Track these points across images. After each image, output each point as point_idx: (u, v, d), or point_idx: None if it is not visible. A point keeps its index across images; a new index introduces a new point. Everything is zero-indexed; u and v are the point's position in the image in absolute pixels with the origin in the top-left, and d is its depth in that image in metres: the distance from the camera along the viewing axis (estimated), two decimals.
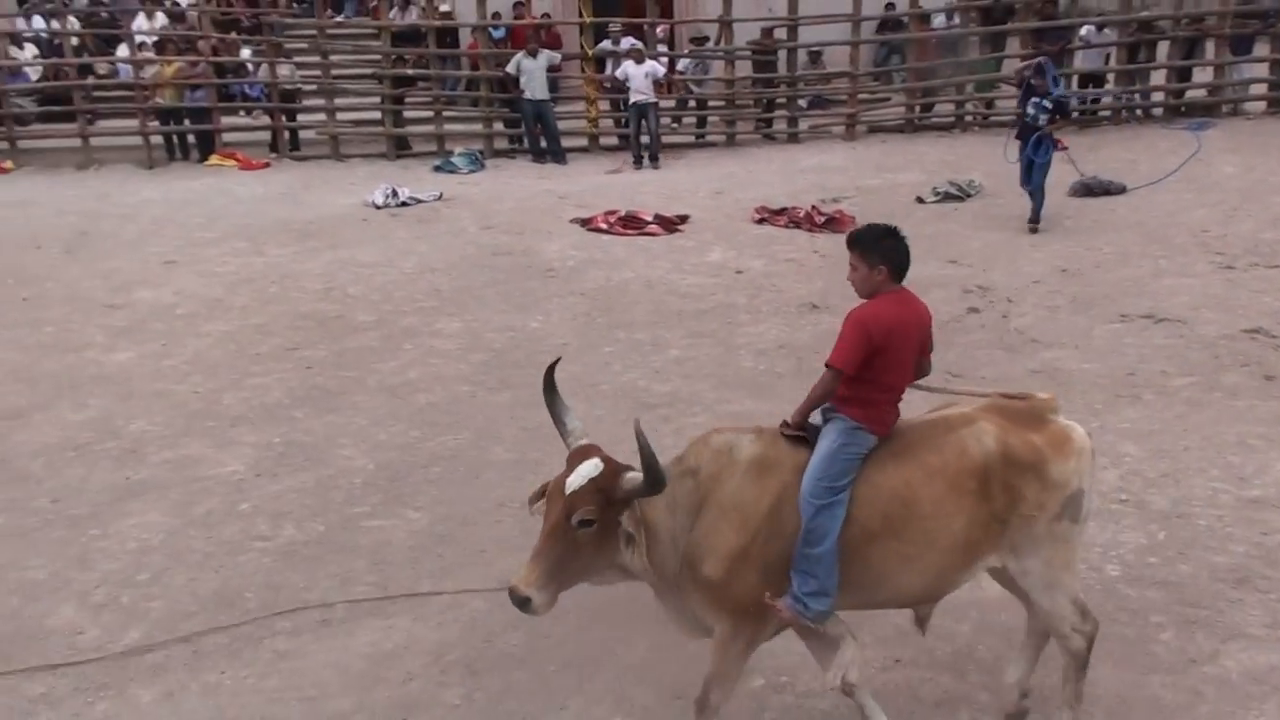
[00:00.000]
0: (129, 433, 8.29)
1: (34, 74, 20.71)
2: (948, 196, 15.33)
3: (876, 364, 4.38)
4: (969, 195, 15.41)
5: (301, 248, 13.68)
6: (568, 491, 4.19)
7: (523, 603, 4.19)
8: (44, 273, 12.64)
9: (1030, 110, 13.35)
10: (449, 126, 20.28)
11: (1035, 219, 13.37)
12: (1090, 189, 14.98)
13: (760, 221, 14.45)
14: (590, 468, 4.22)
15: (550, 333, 10.37)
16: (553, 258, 13.01)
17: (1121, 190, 14.97)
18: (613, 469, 4.22)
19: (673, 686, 5.22)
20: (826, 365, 4.37)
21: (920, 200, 15.29)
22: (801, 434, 4.45)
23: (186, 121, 19.98)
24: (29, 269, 12.78)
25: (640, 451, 4.09)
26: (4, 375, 9.47)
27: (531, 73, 19.02)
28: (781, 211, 14.61)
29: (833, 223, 14.05)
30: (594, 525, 4.18)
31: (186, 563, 6.47)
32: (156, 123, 19.72)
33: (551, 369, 4.71)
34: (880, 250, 4.52)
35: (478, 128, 20.37)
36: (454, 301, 11.42)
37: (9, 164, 18.81)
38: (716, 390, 8.85)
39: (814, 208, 14.59)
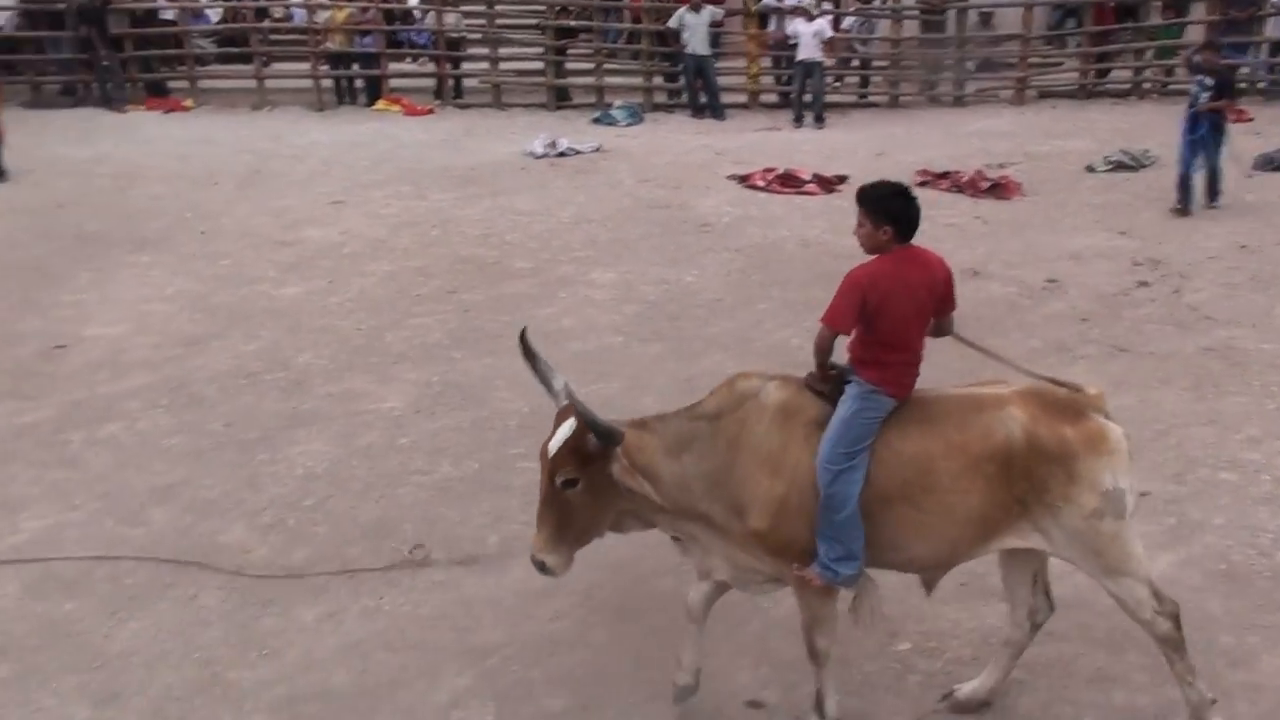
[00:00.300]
0: (296, 364, 8.59)
1: (214, 16, 21.43)
2: (1120, 166, 14.84)
3: (879, 325, 4.34)
4: (1142, 166, 14.88)
5: (462, 193, 13.93)
6: (549, 455, 4.30)
7: (540, 566, 4.39)
8: (220, 208, 13.12)
9: (1193, 88, 12.80)
10: (609, 79, 20.37)
11: (1214, 194, 12.79)
12: (1275, 162, 14.32)
13: (922, 185, 14.17)
14: (565, 429, 4.29)
15: (704, 287, 10.39)
16: (708, 213, 13.01)
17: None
18: (583, 428, 4.25)
19: None
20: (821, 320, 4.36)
21: (1090, 169, 14.83)
22: (822, 390, 4.42)
23: (355, 66, 20.46)
24: (206, 204, 13.28)
25: (576, 412, 4.19)
26: (184, 305, 9.88)
27: (693, 27, 18.95)
28: (945, 175, 14.34)
29: (998, 188, 13.75)
30: (578, 484, 4.28)
31: (348, 491, 6.70)
32: (327, 67, 20.23)
33: (524, 334, 4.87)
34: (887, 208, 4.40)
35: (637, 81, 20.42)
36: (609, 252, 11.52)
37: (189, 103, 19.53)
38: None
39: (978, 172, 14.29)
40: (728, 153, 16.33)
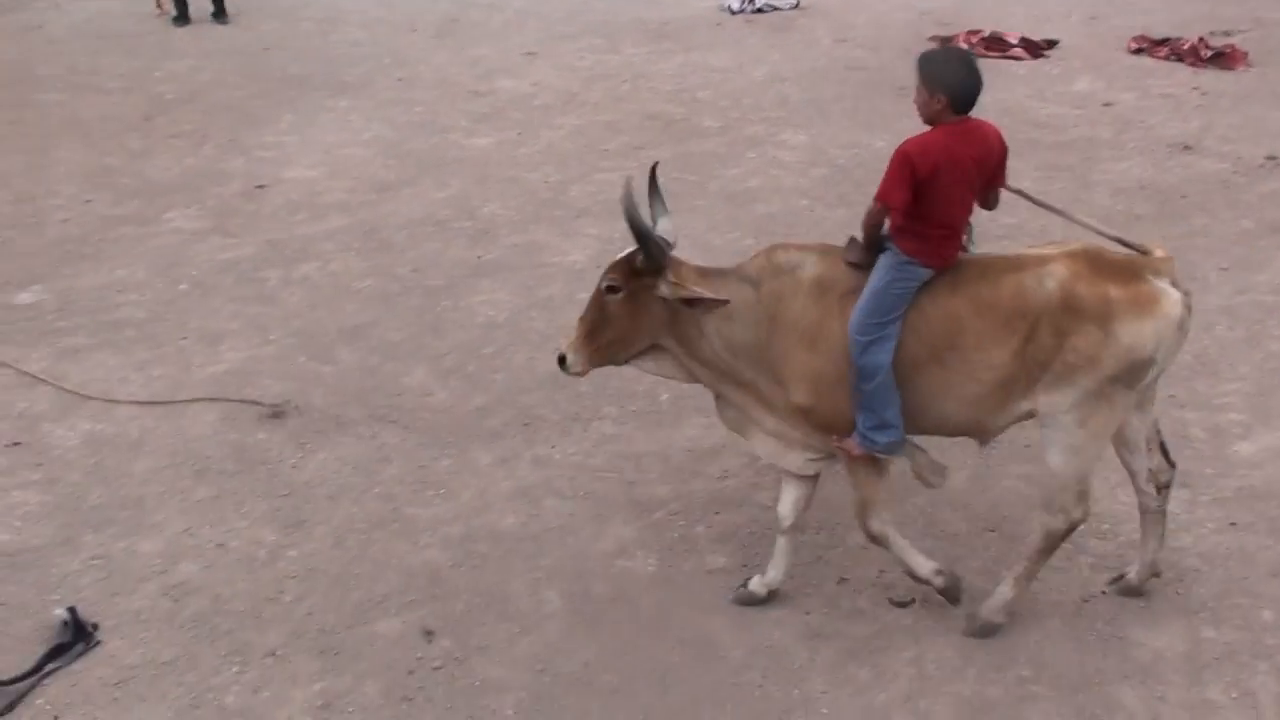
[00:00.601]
0: (483, 214, 8.73)
1: None
2: None
3: (925, 198, 4.16)
4: None
5: (655, 48, 13.77)
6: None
7: (560, 360, 4.64)
8: (416, 56, 13.28)
9: None
10: None
11: None
12: None
13: (1137, 52, 13.42)
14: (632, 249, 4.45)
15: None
16: (906, 76, 12.53)
17: None
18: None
19: (986, 518, 5.19)
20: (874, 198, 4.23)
21: None
22: (857, 263, 4.34)
23: None
24: (404, 50, 13.46)
25: (629, 221, 4.28)
26: (379, 150, 10.11)
27: None
28: (1163, 42, 13.50)
29: (1221, 58, 12.87)
30: (620, 293, 4.46)
31: (528, 341, 6.84)
32: None
33: (654, 171, 4.99)
34: (943, 77, 4.17)
35: None
36: (800, 113, 11.27)
37: None
38: (1067, 228, 8.40)
39: (1201, 40, 13.39)
40: (932, 12, 15.68)
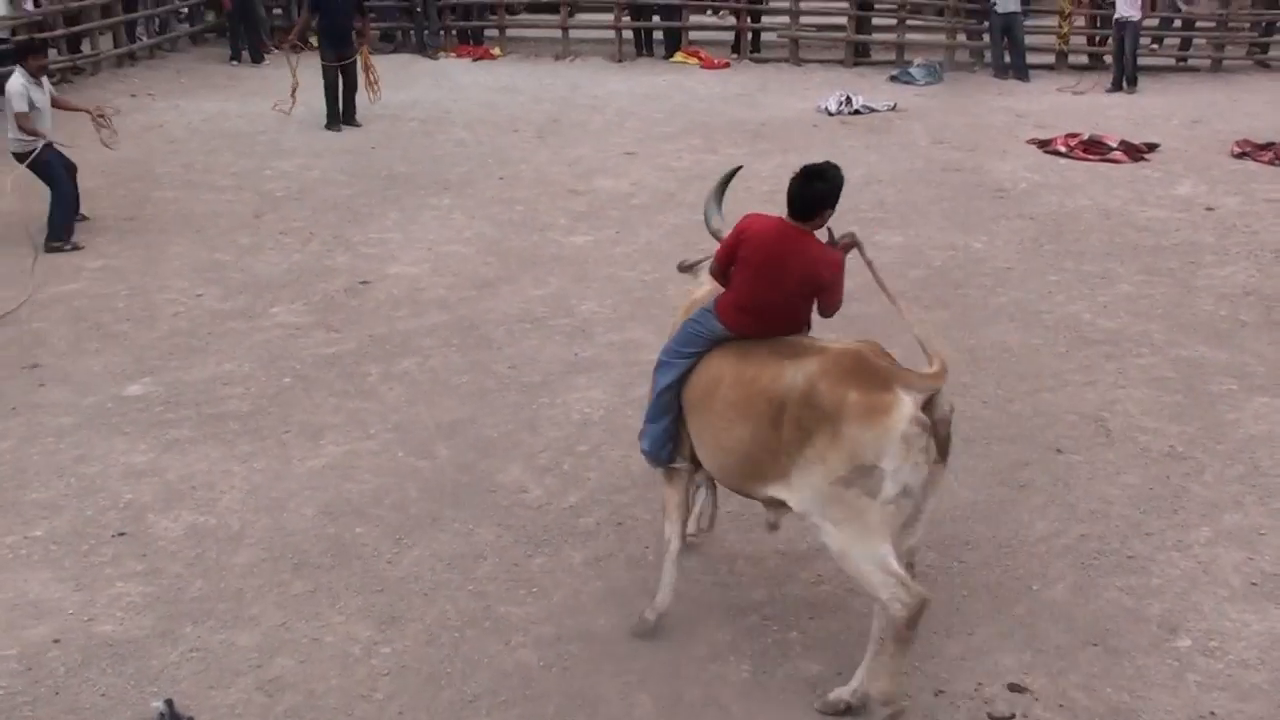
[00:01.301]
0: (580, 312, 8.84)
1: None
2: None
3: (738, 274, 4.68)
4: None
5: (752, 149, 13.93)
6: None
7: None
8: (519, 155, 13.58)
9: None
10: (910, 36, 19.88)
11: None
12: None
13: (1241, 156, 13.29)
14: None
15: (993, 255, 10.07)
16: (1004, 178, 12.57)
17: None
18: None
19: (1089, 632, 5.07)
20: None
21: None
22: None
23: (656, 18, 20.68)
24: (506, 150, 13.78)
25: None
26: (481, 248, 10.30)
27: None
28: (1268, 146, 13.36)
29: None
30: None
31: (622, 440, 6.85)
32: (628, 18, 20.53)
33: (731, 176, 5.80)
34: (791, 182, 4.68)
35: (940, 38, 19.84)
36: (897, 214, 11.30)
37: (497, 51, 20.22)
38: (1168, 332, 8.32)
39: None
40: (1029, 115, 15.71)
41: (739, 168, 5.48)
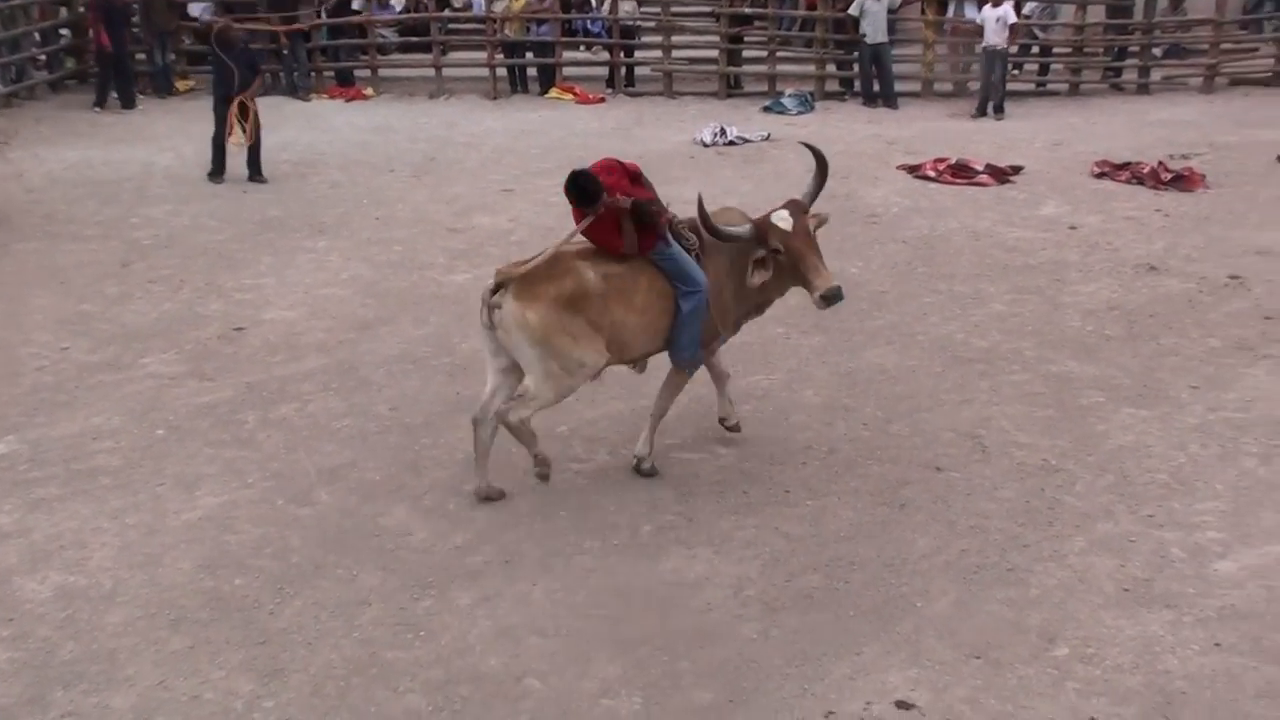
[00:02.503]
0: (461, 350, 8.77)
1: (397, 5, 22.02)
2: None
3: None
4: None
5: None
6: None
7: None
8: (395, 195, 13.47)
9: None
10: (781, 67, 20.22)
11: None
12: None
13: (1100, 176, 13.74)
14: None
15: (869, 279, 10.25)
16: (876, 203, 12.82)
17: None
18: None
19: (972, 645, 5.15)
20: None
21: None
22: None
23: (530, 55, 20.73)
24: (382, 190, 13.65)
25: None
26: (358, 290, 10.18)
27: (873, 15, 18.64)
28: (1125, 166, 13.83)
29: (1180, 180, 13.20)
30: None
31: (507, 478, 6.80)
32: (502, 55, 20.55)
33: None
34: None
35: (810, 69, 20.20)
36: None
37: (370, 91, 20.05)
38: (1038, 349, 8.54)
39: (1161, 164, 13.72)
40: (899, 142, 16.06)
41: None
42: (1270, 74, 19.47)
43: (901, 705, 4.80)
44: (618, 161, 6.72)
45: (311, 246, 11.47)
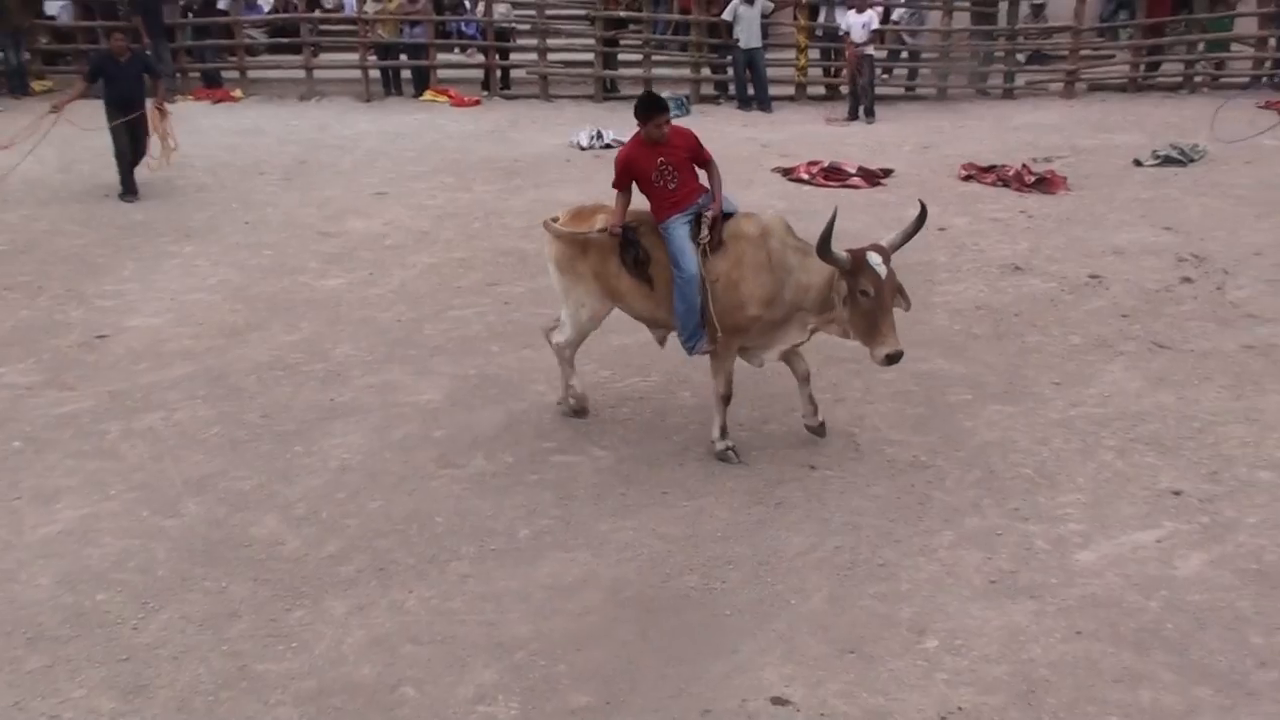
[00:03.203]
0: (334, 356, 8.64)
1: (266, 5, 21.62)
2: (1168, 160, 14.64)
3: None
4: (1191, 160, 14.68)
5: (506, 185, 13.96)
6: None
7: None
8: (265, 199, 13.23)
9: None
10: (657, 70, 20.33)
11: None
12: None
13: (967, 179, 14.08)
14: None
15: None
16: (752, 206, 12.84)
17: None
18: None
19: (845, 640, 5.22)
20: None
21: (1138, 163, 14.65)
22: None
23: (403, 57, 20.52)
24: (252, 194, 13.40)
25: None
26: (226, 295, 9.97)
27: (747, 20, 18.85)
28: (990, 169, 14.20)
29: (1043, 183, 13.60)
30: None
31: (382, 484, 6.73)
32: (375, 57, 20.31)
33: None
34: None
35: (685, 73, 20.35)
36: None
37: (239, 93, 19.68)
38: (908, 348, 8.58)
39: (1025, 167, 14.12)
40: (773, 145, 16.26)
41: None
42: (1126, 80, 20.16)
43: (777, 701, 4.84)
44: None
45: (178, 251, 11.19)
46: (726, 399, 6.93)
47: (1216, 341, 8.57)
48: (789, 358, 7.10)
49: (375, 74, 20.25)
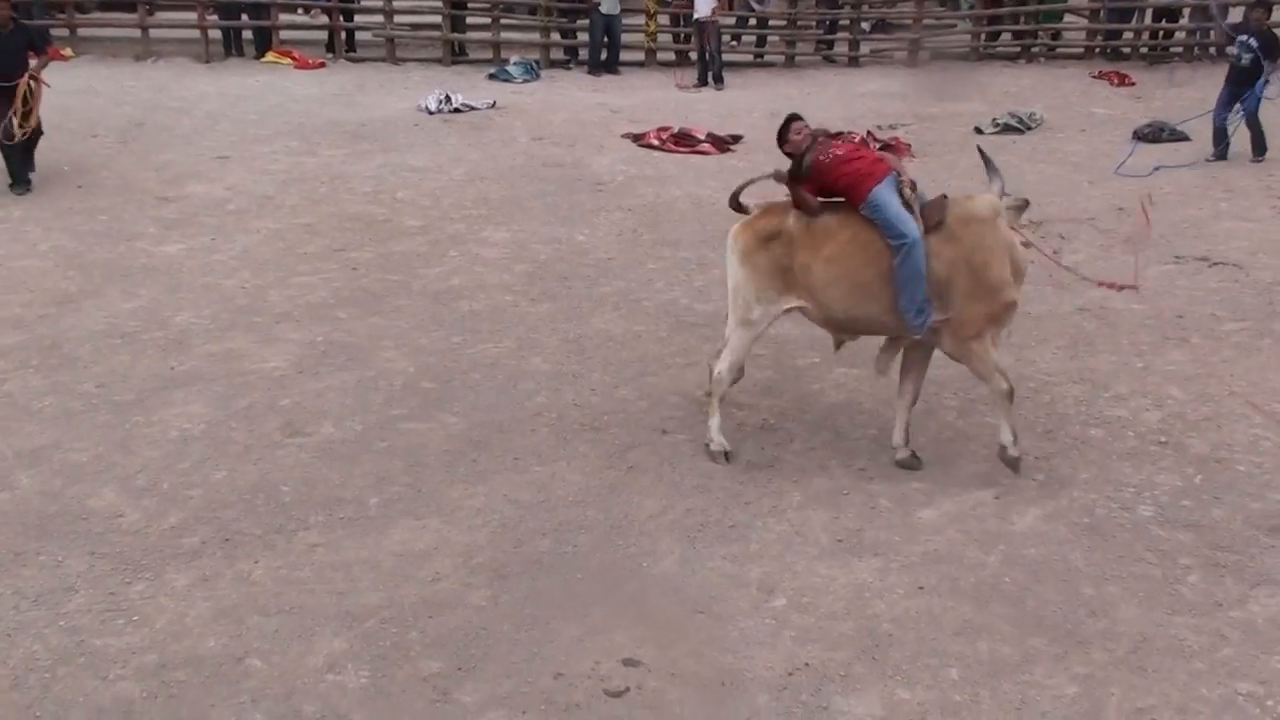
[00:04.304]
0: (175, 324, 8.39)
1: None
2: (1007, 128, 15.09)
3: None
4: (1030, 128, 15.15)
5: (353, 150, 13.70)
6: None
7: None
8: (99, 162, 12.74)
9: (1234, 49, 13.36)
10: (506, 35, 20.12)
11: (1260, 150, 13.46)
12: (1158, 132, 14.61)
13: None
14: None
15: (595, 246, 10.36)
16: (602, 172, 12.95)
17: (1185, 138, 14.45)
18: None
19: (696, 601, 5.29)
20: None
21: (979, 130, 15.06)
22: None
23: (244, 17, 19.91)
24: (85, 158, 12.88)
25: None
26: (58, 261, 9.59)
27: None
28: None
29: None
30: None
31: (227, 454, 6.58)
32: (215, 17, 19.66)
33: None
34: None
35: (535, 37, 20.19)
36: (501, 211, 11.42)
37: (69, 51, 18.83)
38: None
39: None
40: (624, 111, 16.26)
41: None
42: (967, 49, 20.67)
43: (628, 663, 4.88)
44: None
45: (5, 217, 10.72)
46: (1011, 394, 6.29)
47: (1053, 304, 8.88)
48: (917, 366, 6.63)
49: (215, 34, 19.59)
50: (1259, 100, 13.14)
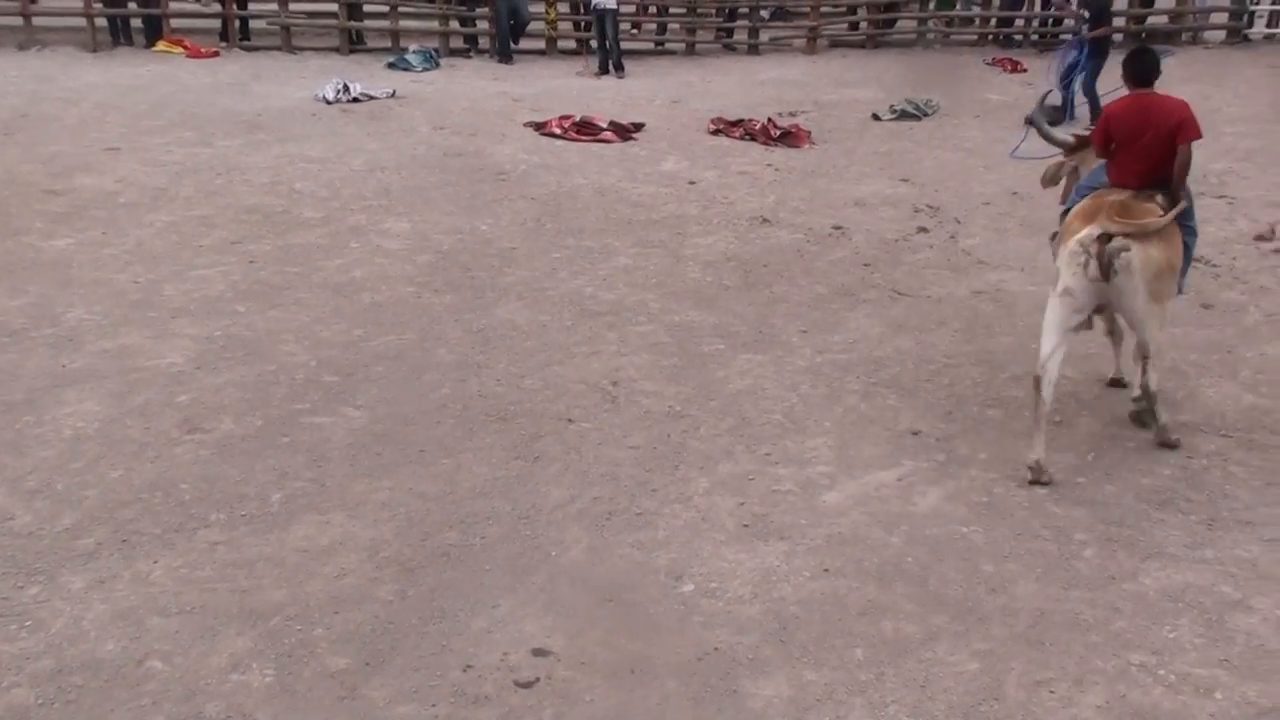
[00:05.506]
0: (66, 321, 8.18)
1: None
2: (904, 115, 15.31)
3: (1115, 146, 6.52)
4: (926, 114, 15.40)
5: (248, 140, 13.46)
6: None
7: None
8: None
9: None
10: (404, 23, 19.92)
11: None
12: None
13: (715, 133, 14.37)
14: None
15: (499, 236, 10.30)
16: (504, 161, 12.88)
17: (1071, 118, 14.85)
18: None
19: (605, 589, 5.29)
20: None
21: (876, 117, 15.27)
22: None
23: (132, 4, 19.43)
24: None
25: None
26: None
27: None
28: (737, 123, 14.53)
29: (788, 137, 14.01)
30: None
31: (122, 452, 6.42)
32: (101, 4, 19.16)
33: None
34: (1129, 61, 6.62)
35: (434, 25, 20.01)
36: (402, 201, 11.30)
37: None
38: (662, 300, 8.85)
39: (770, 121, 14.52)
40: (525, 100, 16.19)
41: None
42: (864, 37, 20.91)
43: (538, 652, 4.87)
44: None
45: None
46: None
47: (951, 288, 9.03)
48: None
49: (102, 22, 19.10)
50: (1074, 68, 13.95)
